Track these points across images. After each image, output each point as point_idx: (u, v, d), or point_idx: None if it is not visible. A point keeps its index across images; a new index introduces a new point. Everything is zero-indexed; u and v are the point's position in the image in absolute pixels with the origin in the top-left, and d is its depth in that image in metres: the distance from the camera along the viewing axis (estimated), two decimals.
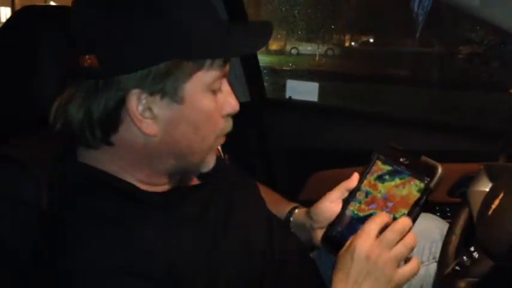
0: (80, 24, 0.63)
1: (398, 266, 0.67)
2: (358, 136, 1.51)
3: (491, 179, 0.90)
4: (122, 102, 0.62)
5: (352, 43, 7.52)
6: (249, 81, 1.71)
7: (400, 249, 0.67)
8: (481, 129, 1.70)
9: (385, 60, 6.51)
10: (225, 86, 0.70)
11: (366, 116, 1.75)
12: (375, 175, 0.75)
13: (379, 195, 0.74)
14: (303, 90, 1.72)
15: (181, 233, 0.67)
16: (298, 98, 1.75)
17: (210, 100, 0.67)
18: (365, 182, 0.77)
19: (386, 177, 0.74)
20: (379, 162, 0.76)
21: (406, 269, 0.68)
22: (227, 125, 0.71)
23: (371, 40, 7.31)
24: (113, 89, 0.62)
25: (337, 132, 1.60)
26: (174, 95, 0.63)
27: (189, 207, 0.71)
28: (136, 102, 0.62)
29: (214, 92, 0.67)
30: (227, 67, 0.68)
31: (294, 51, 7.03)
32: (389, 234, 0.66)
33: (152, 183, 0.70)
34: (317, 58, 6.82)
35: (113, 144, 0.66)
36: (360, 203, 0.76)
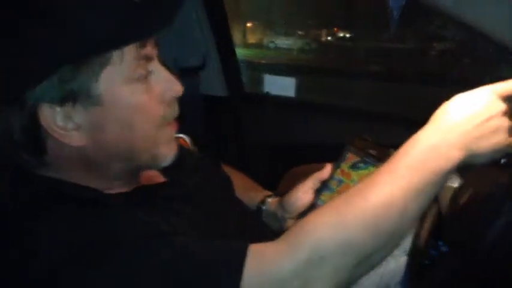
0: None
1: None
2: (334, 130, 1.52)
3: (459, 174, 0.92)
4: (36, 120, 0.57)
5: (329, 38, 7.56)
6: (227, 76, 1.69)
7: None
8: None
9: (361, 55, 6.58)
10: (159, 70, 0.63)
11: (342, 110, 1.76)
12: (349, 164, 0.77)
13: (351, 183, 0.75)
14: (281, 85, 1.73)
15: (147, 232, 0.62)
16: (276, 93, 1.75)
17: (136, 91, 0.60)
18: (338, 170, 0.78)
19: (361, 165, 0.75)
20: (350, 154, 0.77)
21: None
22: (170, 111, 0.65)
23: (347, 35, 7.37)
24: (23, 108, 0.56)
25: (314, 127, 1.61)
26: (88, 98, 0.57)
27: (153, 206, 0.67)
28: (52, 117, 0.57)
29: (140, 80, 0.60)
30: (148, 48, 0.60)
31: (271, 45, 7.04)
32: None
33: (109, 187, 0.66)
34: (295, 52, 6.85)
35: (49, 163, 0.61)
36: (332, 192, 0.77)
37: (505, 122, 0.61)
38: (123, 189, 0.67)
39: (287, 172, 1.41)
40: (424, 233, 0.95)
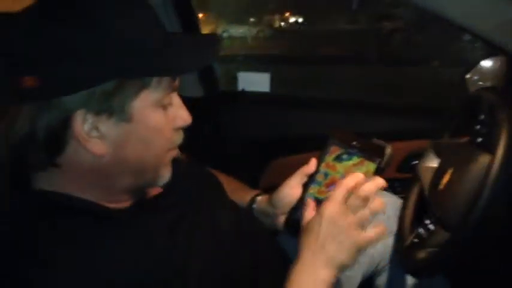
0: (16, 44, 0.59)
1: (364, 230, 0.71)
2: (310, 122, 1.56)
3: (438, 155, 0.97)
4: (66, 123, 0.60)
5: (282, 23, 7.60)
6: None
7: (364, 213, 0.71)
8: (422, 107, 1.82)
9: (316, 39, 6.64)
10: (176, 99, 0.69)
11: (315, 102, 1.80)
12: (333, 156, 0.79)
13: (337, 175, 0.78)
14: (255, 82, 1.75)
15: (152, 243, 0.67)
16: (251, 89, 1.77)
17: (159, 115, 0.66)
18: (323, 164, 0.80)
19: (344, 156, 0.78)
20: (334, 147, 0.80)
21: (371, 232, 0.72)
22: (178, 138, 0.71)
23: (300, 20, 7.43)
24: (56, 110, 0.59)
25: (291, 120, 1.64)
26: (121, 114, 0.61)
27: (155, 218, 0.71)
28: (82, 123, 0.60)
29: (164, 106, 0.66)
30: (177, 81, 0.68)
31: (225, 34, 7.01)
32: (354, 199, 0.71)
33: (113, 200, 0.68)
34: (249, 40, 6.85)
35: (61, 165, 0.63)
36: (319, 185, 0.79)
37: (350, 227, 0.70)
38: (124, 204, 0.70)
39: (268, 165, 1.44)
40: (409, 213, 1.00)
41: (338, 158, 0.78)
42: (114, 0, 0.62)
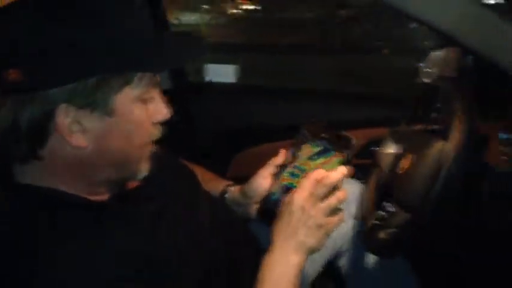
0: (2, 38, 0.60)
1: (330, 216, 0.76)
2: (277, 111, 1.60)
3: (397, 142, 1.03)
4: (49, 116, 0.61)
5: (235, 10, 7.54)
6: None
7: (331, 201, 0.75)
8: (381, 96, 1.89)
9: (270, 27, 6.63)
10: (157, 95, 0.71)
11: (280, 91, 1.84)
12: (302, 149, 0.83)
13: (307, 167, 0.82)
14: (222, 73, 1.77)
15: (134, 234, 0.69)
16: (218, 80, 1.79)
17: (141, 110, 0.67)
18: (293, 156, 0.84)
19: (315, 156, 0.82)
20: (304, 138, 0.84)
21: (335, 218, 0.77)
22: (157, 132, 0.73)
23: (253, 7, 7.40)
24: (39, 104, 0.60)
25: (257, 110, 1.67)
26: (104, 108, 0.63)
27: (135, 210, 0.73)
28: (65, 116, 0.61)
29: (144, 101, 0.68)
30: (158, 77, 0.70)
31: (176, 21, 6.88)
32: (321, 188, 0.75)
33: (92, 193, 0.70)
34: (202, 28, 6.77)
35: (43, 158, 0.64)
36: (290, 175, 0.83)
37: (318, 214, 0.75)
38: (103, 197, 0.71)
39: (235, 155, 1.47)
40: (370, 197, 1.06)
41: (310, 158, 0.82)
42: None
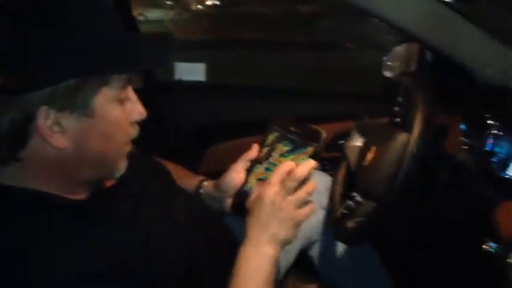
0: None
1: (300, 208, 0.79)
2: (246, 108, 1.62)
3: (362, 135, 1.07)
4: (30, 118, 0.62)
5: (199, 6, 7.49)
6: None
7: (300, 194, 0.78)
8: (346, 91, 1.94)
9: (235, 22, 6.62)
10: (131, 94, 0.72)
11: (249, 88, 1.86)
12: (272, 143, 0.85)
13: (282, 160, 0.84)
14: (191, 71, 1.79)
15: (113, 232, 0.70)
16: (187, 79, 1.81)
17: (118, 110, 0.69)
18: (264, 150, 0.86)
19: (286, 154, 0.84)
20: (273, 133, 0.86)
21: (305, 209, 0.80)
22: (134, 131, 0.74)
23: (216, 2, 7.37)
24: (20, 107, 0.61)
25: (225, 107, 1.69)
26: (83, 110, 0.65)
27: (113, 208, 0.74)
28: (45, 119, 0.62)
29: (121, 101, 0.69)
30: (132, 77, 0.72)
31: (141, 17, 6.79)
32: (290, 181, 0.77)
33: (71, 192, 0.71)
34: (167, 24, 6.70)
35: (23, 159, 0.65)
36: (262, 169, 0.86)
37: (288, 206, 0.77)
38: (81, 196, 0.72)
39: (206, 151, 1.49)
40: (338, 188, 1.10)
41: (282, 155, 0.84)
42: (76, 2, 0.64)
